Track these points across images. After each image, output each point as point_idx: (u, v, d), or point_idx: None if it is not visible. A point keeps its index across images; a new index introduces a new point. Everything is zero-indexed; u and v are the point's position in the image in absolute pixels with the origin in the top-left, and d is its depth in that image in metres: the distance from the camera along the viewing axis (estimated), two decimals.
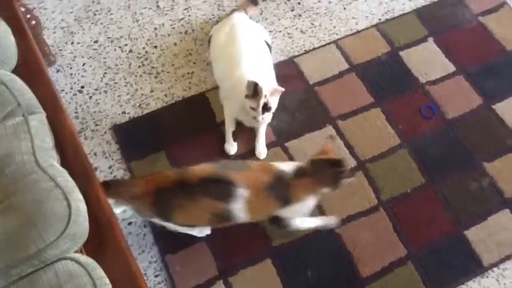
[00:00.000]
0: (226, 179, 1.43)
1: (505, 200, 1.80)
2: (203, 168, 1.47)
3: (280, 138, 1.93)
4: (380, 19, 2.26)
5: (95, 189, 1.29)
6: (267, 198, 1.47)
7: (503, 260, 1.70)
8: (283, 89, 1.73)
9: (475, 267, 1.68)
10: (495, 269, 1.69)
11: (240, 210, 1.44)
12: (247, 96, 1.69)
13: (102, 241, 1.21)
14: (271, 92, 1.70)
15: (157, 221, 1.55)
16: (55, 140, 1.35)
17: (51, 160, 1.20)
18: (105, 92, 2.06)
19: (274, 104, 1.73)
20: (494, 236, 1.73)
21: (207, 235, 1.70)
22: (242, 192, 1.43)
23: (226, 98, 1.91)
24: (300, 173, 1.48)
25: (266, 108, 1.70)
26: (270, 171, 1.48)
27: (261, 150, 1.87)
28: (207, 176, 1.44)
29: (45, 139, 1.27)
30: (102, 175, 1.86)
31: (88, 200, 1.19)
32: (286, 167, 1.51)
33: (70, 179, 1.17)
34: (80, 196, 1.14)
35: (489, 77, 2.08)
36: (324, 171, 1.48)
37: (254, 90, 1.67)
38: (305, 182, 1.48)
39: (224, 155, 1.88)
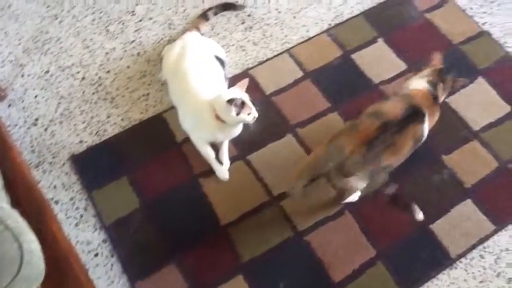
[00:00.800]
0: (414, 104, 1.60)
1: (466, 191, 1.84)
2: (394, 105, 1.61)
3: (241, 151, 1.93)
4: (330, 24, 2.29)
5: (50, 226, 1.26)
6: (432, 111, 1.68)
7: (469, 250, 1.73)
8: (247, 79, 1.74)
9: (443, 259, 1.71)
10: (463, 259, 1.72)
11: (427, 126, 1.64)
12: (238, 114, 1.68)
13: (60, 278, 1.18)
14: (243, 89, 1.73)
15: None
16: (5, 180, 1.31)
17: (0, 202, 1.16)
18: (61, 122, 2.02)
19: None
20: (459, 227, 1.77)
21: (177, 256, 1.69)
22: (425, 111, 1.62)
23: (192, 129, 1.85)
24: (434, 82, 1.72)
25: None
26: (423, 89, 1.70)
27: (224, 164, 1.87)
28: (403, 109, 1.57)
29: None
30: (63, 208, 1.82)
31: (44, 237, 1.16)
32: (421, 83, 1.72)
33: (21, 219, 1.13)
34: (32, 237, 1.11)
35: None
36: (445, 76, 1.74)
37: (241, 103, 1.67)
38: (441, 89, 1.72)
39: (184, 172, 1.87)
